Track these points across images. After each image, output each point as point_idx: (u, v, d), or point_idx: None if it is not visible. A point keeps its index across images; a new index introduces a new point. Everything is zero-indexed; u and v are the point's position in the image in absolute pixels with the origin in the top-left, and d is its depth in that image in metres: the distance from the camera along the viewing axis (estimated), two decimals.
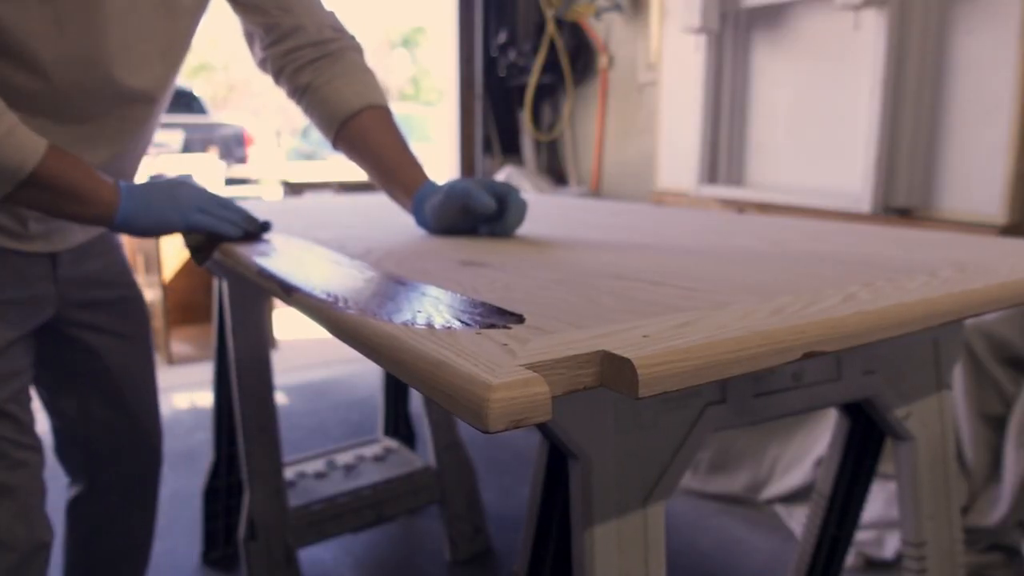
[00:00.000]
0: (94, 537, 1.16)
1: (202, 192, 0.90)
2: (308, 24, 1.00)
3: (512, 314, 0.53)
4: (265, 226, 0.94)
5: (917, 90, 1.91)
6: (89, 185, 0.82)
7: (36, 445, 0.97)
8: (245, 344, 1.32)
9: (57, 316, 1.02)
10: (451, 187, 0.93)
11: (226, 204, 0.91)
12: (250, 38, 1.04)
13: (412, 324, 0.51)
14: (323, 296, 0.61)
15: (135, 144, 0.98)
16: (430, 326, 0.50)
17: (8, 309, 0.94)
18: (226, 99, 14.72)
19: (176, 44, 0.94)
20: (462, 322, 0.51)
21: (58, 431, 1.12)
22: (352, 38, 1.05)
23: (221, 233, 0.88)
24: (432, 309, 0.55)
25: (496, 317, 0.52)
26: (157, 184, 0.88)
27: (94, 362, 1.08)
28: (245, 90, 15.11)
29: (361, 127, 1.01)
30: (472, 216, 0.93)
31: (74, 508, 1.15)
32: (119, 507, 1.16)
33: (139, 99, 0.93)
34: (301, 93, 1.03)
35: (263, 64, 1.05)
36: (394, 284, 0.65)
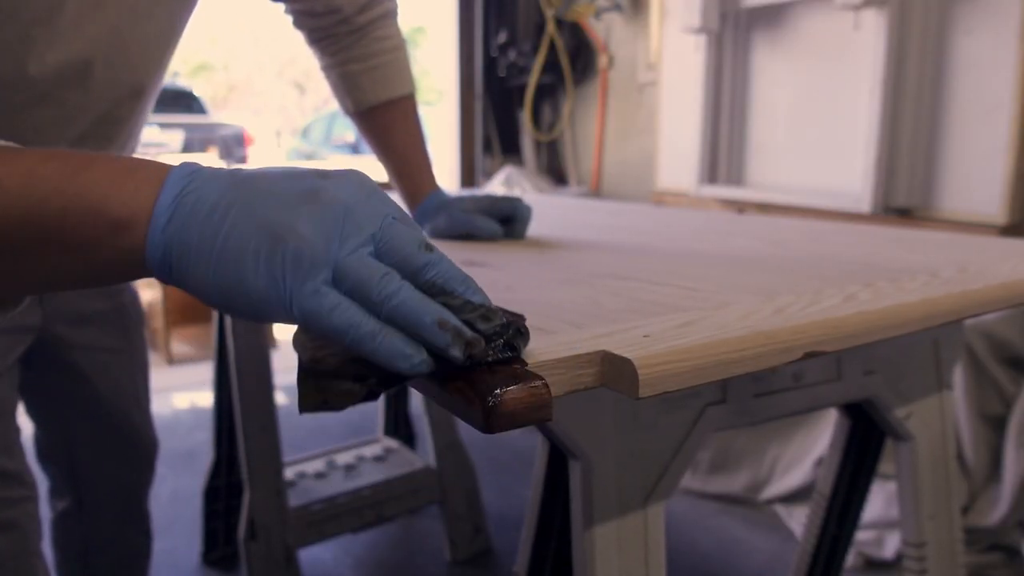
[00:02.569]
0: (87, 554, 1.09)
1: (365, 217, 0.38)
2: (345, 5, 0.91)
3: (514, 314, 0.53)
4: (505, 338, 0.40)
5: (917, 90, 1.91)
6: (72, 194, 0.38)
7: (29, 493, 0.84)
8: (245, 344, 1.32)
9: (42, 337, 0.88)
10: (453, 216, 0.91)
11: (418, 261, 0.39)
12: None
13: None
14: None
15: (117, 150, 0.79)
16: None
17: None
18: (226, 99, 14.73)
19: (175, 28, 0.79)
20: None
21: (40, 443, 1.03)
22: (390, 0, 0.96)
23: (375, 360, 0.37)
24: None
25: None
26: (259, 178, 0.39)
27: (82, 387, 0.97)
28: (245, 90, 15.11)
29: (372, 123, 0.97)
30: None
31: (62, 524, 1.07)
32: (111, 522, 1.09)
33: (128, 94, 0.75)
34: (319, 61, 0.97)
35: (287, 14, 0.96)
36: None
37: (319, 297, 0.36)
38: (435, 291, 0.39)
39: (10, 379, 0.85)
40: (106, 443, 1.04)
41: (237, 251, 0.37)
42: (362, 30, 0.94)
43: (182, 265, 0.38)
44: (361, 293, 0.37)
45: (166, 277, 0.39)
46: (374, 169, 1.04)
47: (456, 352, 0.37)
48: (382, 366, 0.37)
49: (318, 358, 0.39)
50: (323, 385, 0.38)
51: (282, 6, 0.95)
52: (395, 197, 1.06)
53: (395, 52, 0.96)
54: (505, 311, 0.41)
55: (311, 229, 0.37)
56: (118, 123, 0.77)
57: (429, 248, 0.39)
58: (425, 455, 1.71)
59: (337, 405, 0.38)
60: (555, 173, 3.43)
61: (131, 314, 1.03)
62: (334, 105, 1.10)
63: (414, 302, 0.37)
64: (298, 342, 0.41)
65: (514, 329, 0.40)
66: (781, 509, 1.83)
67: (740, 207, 2.38)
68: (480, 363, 0.39)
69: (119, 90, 0.74)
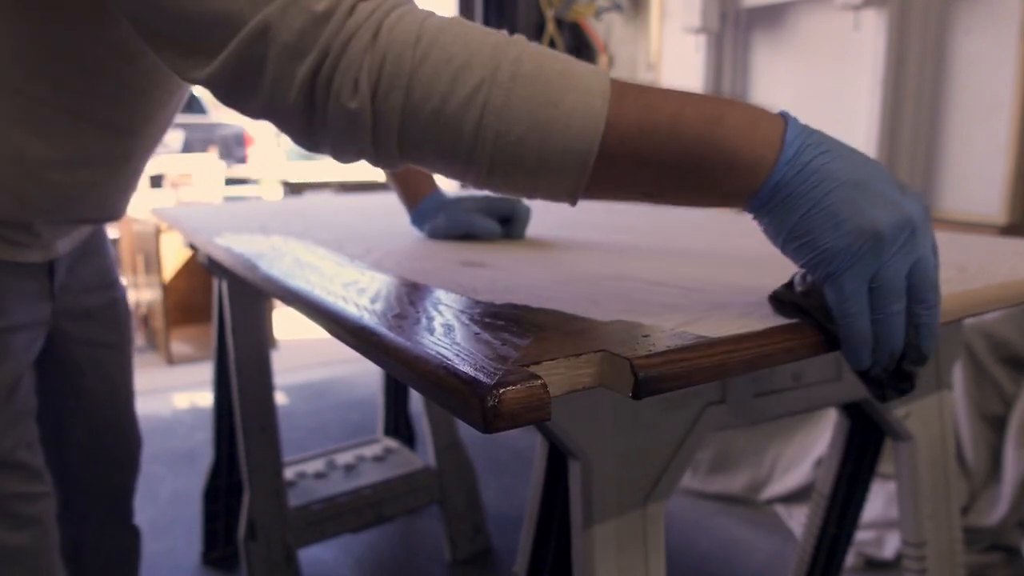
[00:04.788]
0: (79, 556, 1.08)
1: (928, 240, 0.47)
2: None
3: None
4: (906, 381, 0.49)
5: (917, 90, 1.91)
6: (705, 120, 0.46)
7: (48, 489, 0.87)
8: (245, 344, 1.32)
9: (49, 334, 0.90)
10: (452, 216, 0.91)
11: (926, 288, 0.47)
12: None
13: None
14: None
15: (161, 134, 0.85)
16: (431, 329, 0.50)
17: (15, 337, 0.81)
18: None
19: None
20: (461, 323, 0.51)
21: None
22: None
23: (846, 338, 0.47)
24: (432, 309, 0.55)
25: (495, 317, 0.52)
26: (857, 165, 0.46)
27: (77, 381, 0.98)
28: None
29: None
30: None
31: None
32: (98, 524, 1.09)
33: (179, 83, 0.79)
34: None
35: None
36: (407, 290, 0.65)
37: (857, 287, 0.45)
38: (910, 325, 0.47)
39: (29, 378, 0.86)
40: (98, 441, 1.05)
41: (824, 220, 0.45)
42: None
43: (781, 209, 0.46)
44: (878, 295, 0.45)
45: (758, 210, 0.48)
46: (372, 170, 1.04)
47: (882, 376, 0.48)
48: (842, 346, 0.47)
49: (805, 292, 0.49)
50: (793, 308, 0.49)
51: None
52: (393, 198, 1.07)
53: None
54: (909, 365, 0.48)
55: (886, 232, 0.44)
56: (180, 89, 0.80)
57: (936, 291, 0.47)
58: (425, 455, 1.71)
59: (785, 316, 0.49)
60: None
61: (123, 310, 1.05)
62: None
63: (898, 330, 0.46)
64: (798, 274, 0.50)
65: (908, 381, 0.48)
66: (781, 509, 1.83)
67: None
68: (881, 385, 0.48)
69: None
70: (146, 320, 3.40)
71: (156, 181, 4.40)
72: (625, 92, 0.47)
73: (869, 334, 0.46)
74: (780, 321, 0.50)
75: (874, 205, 0.45)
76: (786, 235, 0.47)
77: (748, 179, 0.46)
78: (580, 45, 3.15)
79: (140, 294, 3.40)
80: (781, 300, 0.50)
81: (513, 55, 0.48)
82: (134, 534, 1.15)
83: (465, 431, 1.70)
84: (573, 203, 0.51)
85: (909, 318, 0.46)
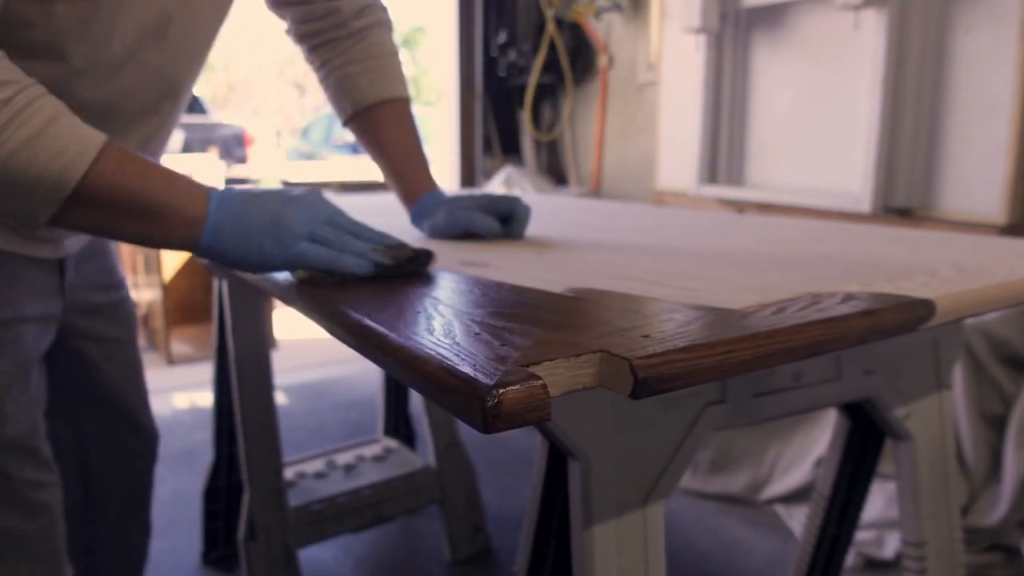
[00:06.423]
0: (91, 552, 1.10)
1: (322, 211, 0.67)
2: (344, 6, 0.95)
3: (425, 250, 0.63)
4: (418, 259, 0.69)
5: (917, 90, 1.91)
6: (163, 197, 0.63)
7: (55, 479, 0.89)
8: (245, 344, 1.32)
9: (60, 329, 0.93)
10: (451, 214, 0.90)
11: (356, 230, 0.68)
12: (279, 10, 0.98)
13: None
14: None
15: (157, 145, 0.87)
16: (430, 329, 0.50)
17: (25, 328, 0.83)
18: (226, 99, 14.72)
19: (217, 27, 0.85)
20: (461, 323, 0.51)
21: (50, 441, 1.04)
22: (383, 10, 1.00)
23: (340, 270, 0.65)
24: (432, 310, 0.55)
25: (495, 317, 0.52)
26: (262, 195, 0.67)
27: (94, 376, 1.02)
28: (245, 90, 15.10)
29: (370, 123, 0.98)
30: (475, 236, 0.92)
31: (66, 522, 1.07)
32: (116, 518, 1.11)
33: (173, 90, 0.83)
34: (318, 72, 0.99)
35: (290, 33, 1.00)
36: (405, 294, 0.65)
37: (305, 247, 0.65)
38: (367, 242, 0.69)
39: (40, 370, 0.88)
40: (115, 432, 1.07)
41: (257, 232, 0.65)
42: (358, 34, 0.97)
43: (220, 244, 0.65)
44: (328, 243, 0.66)
45: (205, 251, 0.66)
46: (371, 170, 1.04)
47: (387, 260, 0.67)
48: (343, 272, 0.66)
49: (310, 274, 0.68)
50: (315, 279, 0.67)
51: (283, 15, 0.99)
52: (392, 197, 1.07)
53: (390, 57, 0.99)
54: (415, 248, 0.69)
55: (298, 215, 0.66)
56: (173, 99, 0.84)
57: (356, 223, 0.70)
58: (425, 455, 1.71)
59: (322, 284, 0.66)
60: (555, 173, 3.43)
61: (129, 308, 1.09)
62: None
63: (356, 242, 0.67)
64: (296, 274, 0.68)
65: (425, 256, 0.69)
66: (781, 509, 1.83)
67: (740, 207, 2.38)
68: (399, 268, 0.67)
69: (184, 58, 0.80)
70: (146, 320, 3.40)
71: None
72: (115, 149, 0.62)
73: (347, 257, 0.65)
74: (781, 323, 0.50)
75: (280, 204, 0.66)
76: (236, 255, 0.65)
77: (195, 223, 0.64)
78: (580, 45, 3.15)
79: (140, 294, 3.40)
80: (304, 282, 0.66)
81: (37, 94, 0.60)
82: (146, 532, 1.17)
83: (465, 431, 1.70)
84: (34, 227, 0.64)
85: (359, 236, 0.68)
